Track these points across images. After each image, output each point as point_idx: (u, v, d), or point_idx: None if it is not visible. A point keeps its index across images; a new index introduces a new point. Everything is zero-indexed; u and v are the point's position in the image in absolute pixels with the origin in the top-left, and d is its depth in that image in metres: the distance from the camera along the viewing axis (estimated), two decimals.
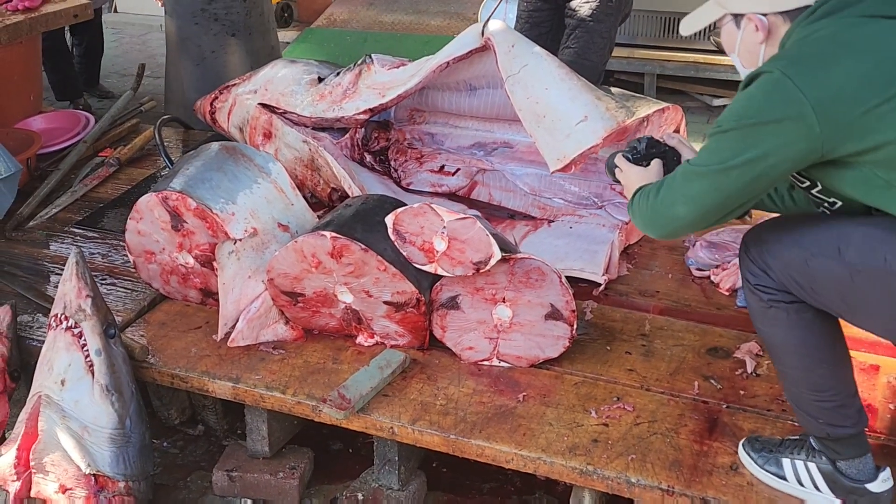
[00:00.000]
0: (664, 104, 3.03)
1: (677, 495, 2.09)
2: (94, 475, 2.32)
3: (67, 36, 5.66)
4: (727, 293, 2.86)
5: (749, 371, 2.47)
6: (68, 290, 2.45)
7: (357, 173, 3.32)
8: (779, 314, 1.91)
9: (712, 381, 2.44)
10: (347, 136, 3.44)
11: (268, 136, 3.47)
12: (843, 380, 1.95)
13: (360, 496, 2.45)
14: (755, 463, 2.12)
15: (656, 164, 2.09)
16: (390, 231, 2.47)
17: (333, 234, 2.44)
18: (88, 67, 5.78)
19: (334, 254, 2.46)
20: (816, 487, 2.02)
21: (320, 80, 3.41)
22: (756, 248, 1.91)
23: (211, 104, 3.76)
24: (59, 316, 2.44)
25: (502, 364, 2.52)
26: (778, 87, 1.70)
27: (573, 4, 3.80)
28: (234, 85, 3.69)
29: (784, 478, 2.06)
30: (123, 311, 2.80)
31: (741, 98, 1.79)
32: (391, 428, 2.32)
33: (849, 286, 1.78)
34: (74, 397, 2.39)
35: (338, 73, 3.37)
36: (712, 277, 2.93)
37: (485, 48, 3.04)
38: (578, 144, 2.75)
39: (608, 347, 2.59)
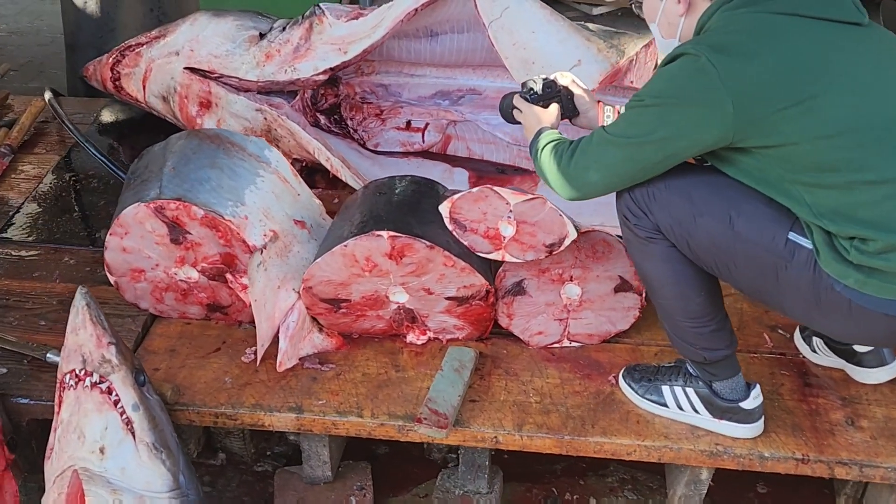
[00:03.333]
0: (647, 37, 2.90)
1: (812, 462, 2.08)
2: None
3: None
4: None
5: None
6: (84, 339, 2.03)
7: (323, 140, 2.97)
8: (656, 249, 1.95)
9: (780, 331, 2.43)
10: (298, 98, 3.06)
11: (205, 105, 3.03)
12: (717, 305, 2.02)
13: None
14: (636, 393, 2.20)
15: (555, 108, 2.14)
16: (447, 220, 2.23)
17: (392, 234, 2.16)
18: None
19: (394, 255, 2.19)
20: (695, 410, 2.12)
21: (262, 36, 3.00)
22: (641, 191, 1.92)
23: (112, 70, 3.23)
24: (77, 372, 2.03)
25: (573, 344, 2.38)
26: (702, 73, 1.72)
27: None
28: (142, 45, 3.17)
29: (665, 405, 2.16)
30: None
31: (664, 75, 1.80)
32: (494, 438, 2.14)
33: (727, 252, 1.85)
34: (119, 465, 2.01)
35: (283, 28, 2.97)
36: None
37: None
38: None
39: None
